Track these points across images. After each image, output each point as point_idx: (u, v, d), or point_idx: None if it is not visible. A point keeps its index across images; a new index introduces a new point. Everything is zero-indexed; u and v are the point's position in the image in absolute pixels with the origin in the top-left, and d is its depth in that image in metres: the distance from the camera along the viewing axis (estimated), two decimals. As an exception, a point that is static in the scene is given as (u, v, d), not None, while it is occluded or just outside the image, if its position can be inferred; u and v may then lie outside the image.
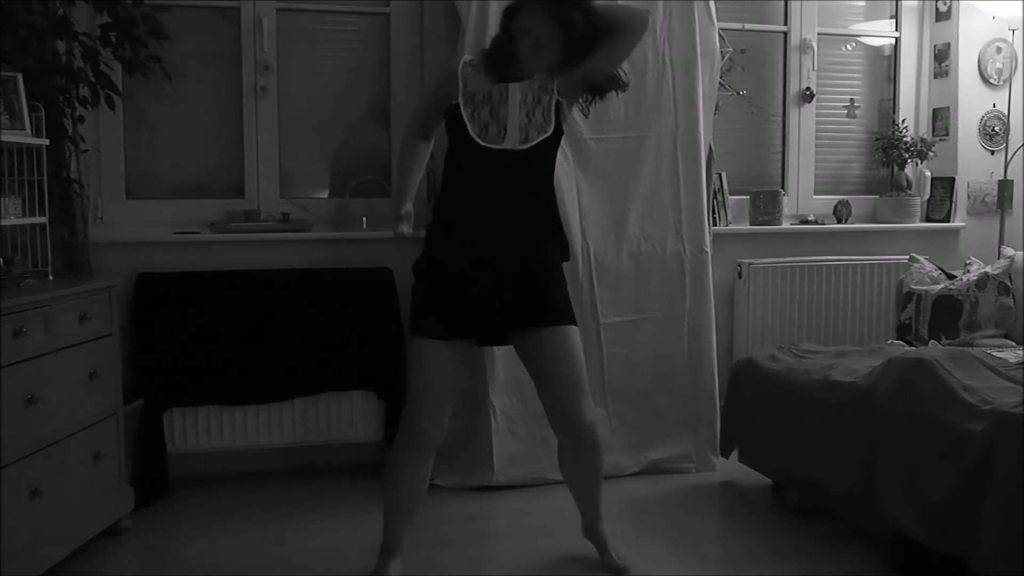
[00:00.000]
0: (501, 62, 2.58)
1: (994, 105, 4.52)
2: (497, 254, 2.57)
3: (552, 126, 2.59)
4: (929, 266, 4.06)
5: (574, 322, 2.67)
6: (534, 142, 2.56)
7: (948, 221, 4.51)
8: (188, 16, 3.67)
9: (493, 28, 3.50)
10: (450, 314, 2.57)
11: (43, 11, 3.12)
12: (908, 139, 4.49)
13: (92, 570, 2.80)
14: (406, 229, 2.60)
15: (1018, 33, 4.44)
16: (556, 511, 3.30)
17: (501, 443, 3.53)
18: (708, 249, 3.80)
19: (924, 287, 3.95)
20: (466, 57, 2.69)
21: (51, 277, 3.01)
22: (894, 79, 4.64)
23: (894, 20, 4.64)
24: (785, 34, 4.43)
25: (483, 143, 2.54)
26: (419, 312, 2.62)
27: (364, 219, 3.78)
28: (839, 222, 4.44)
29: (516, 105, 2.57)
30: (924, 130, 4.60)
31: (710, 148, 3.90)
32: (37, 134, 2.97)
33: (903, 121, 4.57)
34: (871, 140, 4.60)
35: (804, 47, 4.42)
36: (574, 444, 2.73)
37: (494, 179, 2.57)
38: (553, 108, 2.60)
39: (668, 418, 3.73)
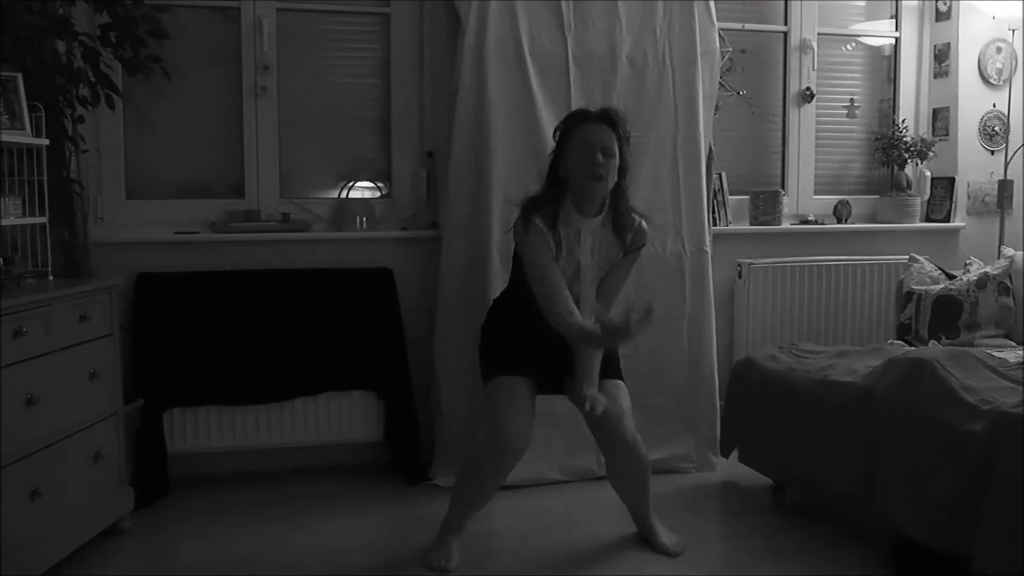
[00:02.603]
0: (582, 181, 2.69)
1: (994, 105, 4.52)
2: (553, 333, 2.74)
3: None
4: (929, 266, 4.06)
5: (621, 378, 2.95)
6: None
7: (948, 221, 4.51)
8: (188, 16, 3.67)
9: (493, 28, 3.52)
10: (520, 357, 2.80)
11: (43, 11, 3.12)
12: (908, 139, 4.49)
13: (92, 570, 2.80)
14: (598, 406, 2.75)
15: (1018, 33, 4.44)
16: (556, 511, 3.31)
17: (501, 443, 3.54)
18: (708, 249, 3.80)
19: (924, 287, 3.95)
20: (537, 222, 2.72)
21: (51, 277, 3.01)
22: (894, 79, 4.64)
23: (894, 20, 4.64)
24: (785, 34, 4.43)
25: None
26: (489, 359, 2.87)
27: (364, 219, 3.78)
28: (839, 222, 4.44)
29: (588, 252, 2.77)
30: (924, 130, 4.60)
31: (710, 148, 3.90)
32: (37, 134, 2.97)
33: (903, 121, 4.57)
34: (871, 140, 4.60)
35: (804, 47, 4.42)
36: (618, 459, 2.88)
37: None
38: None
39: (668, 418, 3.73)
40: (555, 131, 2.81)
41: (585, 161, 2.67)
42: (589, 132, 2.69)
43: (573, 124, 2.75)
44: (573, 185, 2.72)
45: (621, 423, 2.80)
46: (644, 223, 2.83)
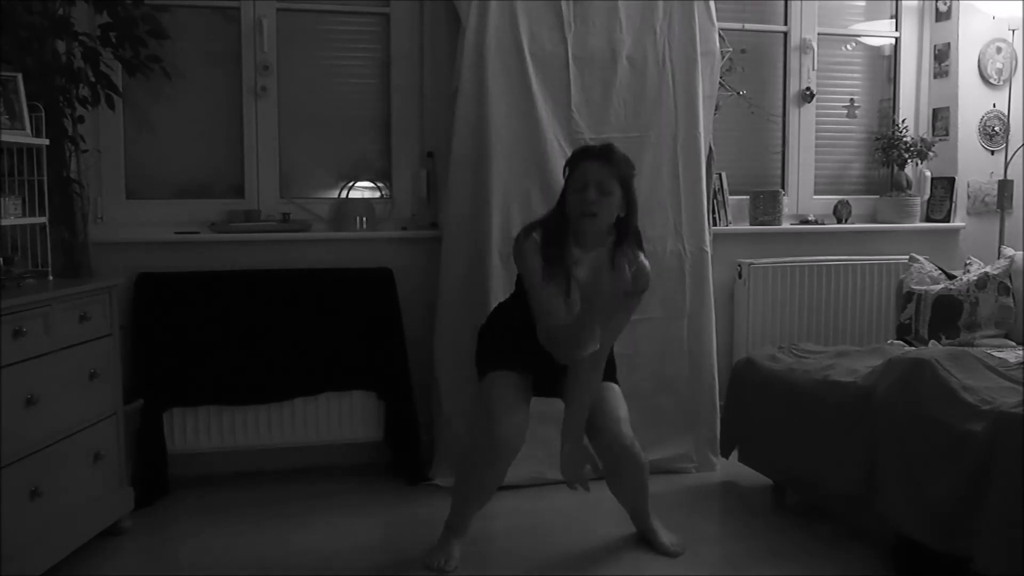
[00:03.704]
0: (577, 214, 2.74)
1: (994, 105, 4.52)
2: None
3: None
4: (929, 266, 4.06)
5: (616, 381, 2.99)
6: None
7: (948, 221, 4.51)
8: (188, 16, 3.67)
9: (493, 28, 3.52)
10: (517, 355, 2.83)
11: (43, 11, 3.11)
12: (908, 139, 4.49)
13: (92, 570, 2.80)
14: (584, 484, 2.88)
15: (1018, 33, 4.44)
16: (556, 511, 3.31)
17: (501, 443, 3.54)
18: (708, 249, 3.80)
19: (924, 287, 3.95)
20: (535, 236, 2.77)
21: (51, 277, 3.01)
22: (894, 79, 4.64)
23: (894, 20, 4.64)
24: (785, 34, 4.43)
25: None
26: (487, 356, 2.90)
27: (364, 219, 3.78)
28: (839, 222, 4.44)
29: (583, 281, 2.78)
30: (924, 130, 4.60)
31: (710, 148, 3.90)
32: (37, 134, 2.97)
33: (903, 121, 4.57)
34: (871, 140, 4.60)
35: (804, 47, 4.42)
36: (616, 466, 2.89)
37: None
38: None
39: (668, 418, 3.73)
40: (564, 167, 2.86)
41: (579, 198, 2.74)
42: (585, 169, 2.75)
43: (574, 160, 2.81)
44: (571, 220, 2.77)
45: (619, 431, 2.83)
46: (647, 264, 2.84)
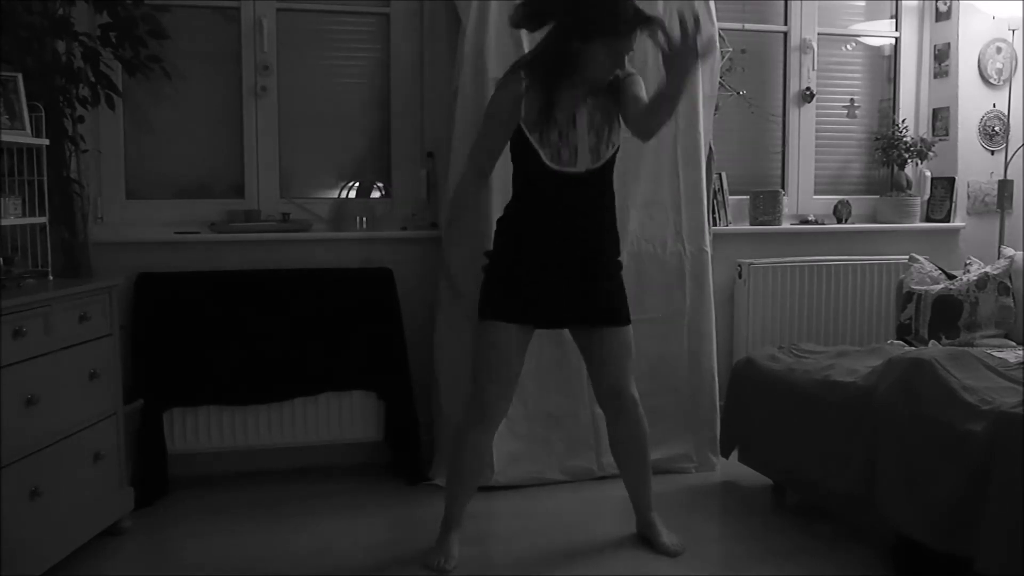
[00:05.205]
0: (560, 68, 2.61)
1: (994, 105, 4.52)
2: (566, 254, 2.73)
3: (619, 137, 2.73)
4: (929, 266, 4.06)
5: (629, 321, 2.87)
6: (604, 159, 2.70)
7: (948, 221, 4.51)
8: (188, 16, 3.67)
9: (493, 28, 3.52)
10: (520, 301, 2.73)
11: (43, 11, 3.11)
12: (908, 139, 4.49)
13: (92, 570, 2.80)
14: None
15: (1018, 33, 4.44)
16: (556, 511, 3.31)
17: (501, 443, 3.52)
18: (708, 249, 3.80)
19: (924, 287, 3.95)
20: (521, 75, 2.66)
21: (51, 277, 3.01)
22: (894, 79, 4.64)
23: (894, 20, 4.64)
24: (785, 34, 4.43)
25: (557, 168, 2.65)
26: (490, 298, 2.76)
27: (363, 219, 3.78)
28: (839, 222, 4.44)
29: (584, 127, 2.67)
30: (924, 130, 4.60)
31: (710, 148, 3.90)
32: (37, 134, 2.97)
33: (903, 121, 4.57)
34: (871, 140, 4.60)
35: (804, 47, 4.42)
36: (619, 416, 2.91)
37: (565, 191, 2.69)
38: (617, 119, 2.72)
39: (668, 418, 3.73)
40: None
41: (612, 67, 2.64)
42: (624, 45, 2.61)
43: (610, 26, 2.55)
44: (587, 76, 2.63)
45: (625, 378, 2.87)
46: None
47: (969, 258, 4.11)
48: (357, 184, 3.91)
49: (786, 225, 4.31)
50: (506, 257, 2.77)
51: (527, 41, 3.57)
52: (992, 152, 4.55)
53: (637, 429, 2.93)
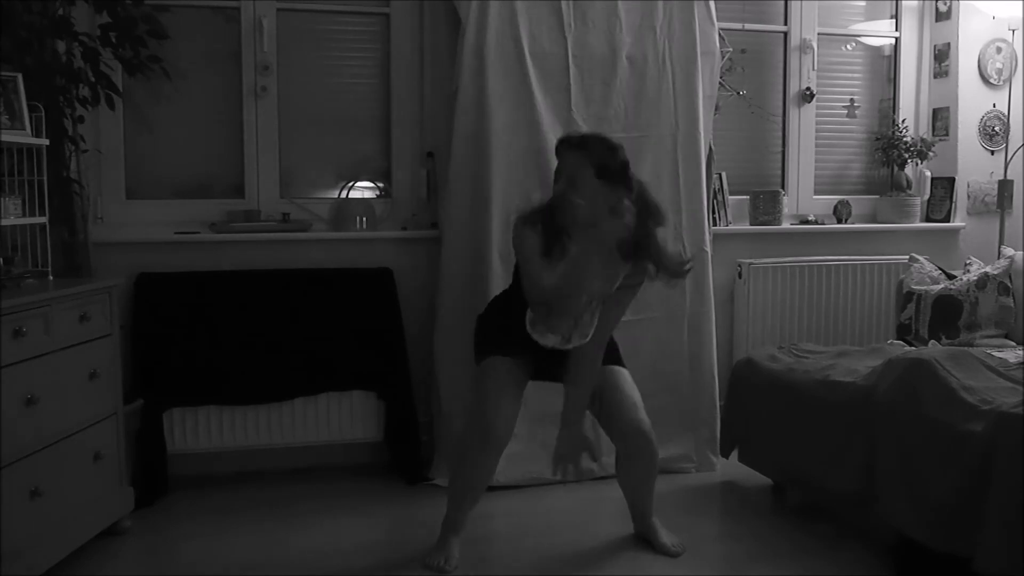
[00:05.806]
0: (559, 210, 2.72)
1: (994, 105, 4.52)
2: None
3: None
4: (929, 266, 4.06)
5: (621, 364, 2.96)
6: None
7: (948, 221, 4.51)
8: (188, 16, 3.66)
9: (493, 28, 3.52)
10: (515, 340, 2.80)
11: (43, 11, 3.12)
12: (908, 139, 4.49)
13: (92, 570, 2.80)
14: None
15: (1018, 33, 4.44)
16: (556, 511, 3.31)
17: (501, 443, 3.53)
18: (708, 249, 3.80)
19: (924, 287, 3.95)
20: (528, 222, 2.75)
21: (51, 277, 3.01)
22: (894, 79, 4.64)
23: (894, 20, 4.64)
24: (785, 34, 4.43)
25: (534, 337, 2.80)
26: (488, 339, 2.88)
27: (364, 219, 3.78)
28: (839, 222, 4.44)
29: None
30: (924, 130, 4.60)
31: (710, 148, 3.90)
32: (37, 134, 2.97)
33: (903, 121, 4.57)
34: (871, 140, 4.60)
35: (804, 47, 4.42)
36: (631, 453, 2.90)
37: None
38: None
39: (668, 418, 3.73)
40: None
41: (554, 190, 2.76)
42: (560, 160, 2.75)
43: (556, 151, 2.78)
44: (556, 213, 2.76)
45: (636, 416, 2.84)
46: (663, 237, 2.81)
47: (969, 258, 4.11)
48: (355, 184, 3.91)
49: (786, 225, 4.31)
50: (498, 313, 2.93)
51: (527, 42, 3.58)
52: (992, 152, 4.54)
53: (649, 460, 2.90)
